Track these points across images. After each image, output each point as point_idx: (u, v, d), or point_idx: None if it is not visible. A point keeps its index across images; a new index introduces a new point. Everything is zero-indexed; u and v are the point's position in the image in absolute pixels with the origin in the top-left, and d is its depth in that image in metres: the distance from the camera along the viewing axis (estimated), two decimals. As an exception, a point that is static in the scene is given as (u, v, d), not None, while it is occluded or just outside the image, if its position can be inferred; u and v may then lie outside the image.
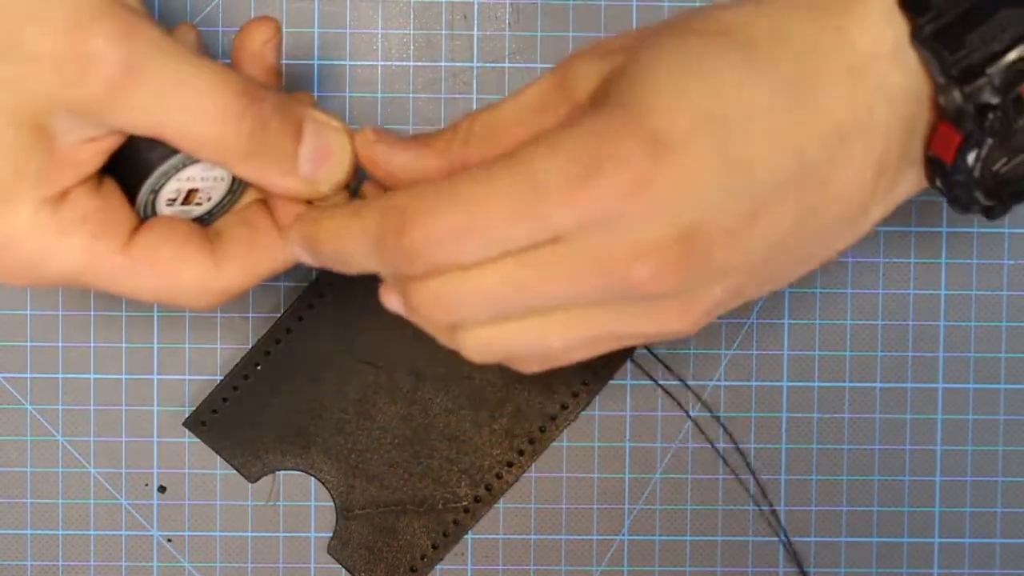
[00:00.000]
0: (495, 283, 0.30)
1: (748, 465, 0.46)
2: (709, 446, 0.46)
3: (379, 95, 0.46)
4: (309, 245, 0.33)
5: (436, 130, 0.34)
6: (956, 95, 0.31)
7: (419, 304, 0.32)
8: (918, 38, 0.31)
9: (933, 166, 0.32)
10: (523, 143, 0.30)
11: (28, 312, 0.46)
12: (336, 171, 0.34)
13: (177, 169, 0.34)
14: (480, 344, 0.33)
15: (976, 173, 0.31)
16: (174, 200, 0.35)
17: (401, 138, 0.34)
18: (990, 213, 0.33)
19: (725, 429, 0.46)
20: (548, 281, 0.30)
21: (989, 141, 0.31)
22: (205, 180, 0.35)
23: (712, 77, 0.30)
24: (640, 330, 0.32)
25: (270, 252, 0.35)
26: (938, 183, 0.33)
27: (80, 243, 0.33)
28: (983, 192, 0.32)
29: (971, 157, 0.31)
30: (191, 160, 0.34)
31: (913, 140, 0.32)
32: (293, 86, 0.45)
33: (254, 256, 0.35)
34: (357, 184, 0.36)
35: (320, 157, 0.34)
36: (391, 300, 0.33)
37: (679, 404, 0.46)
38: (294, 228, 0.34)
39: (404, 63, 0.46)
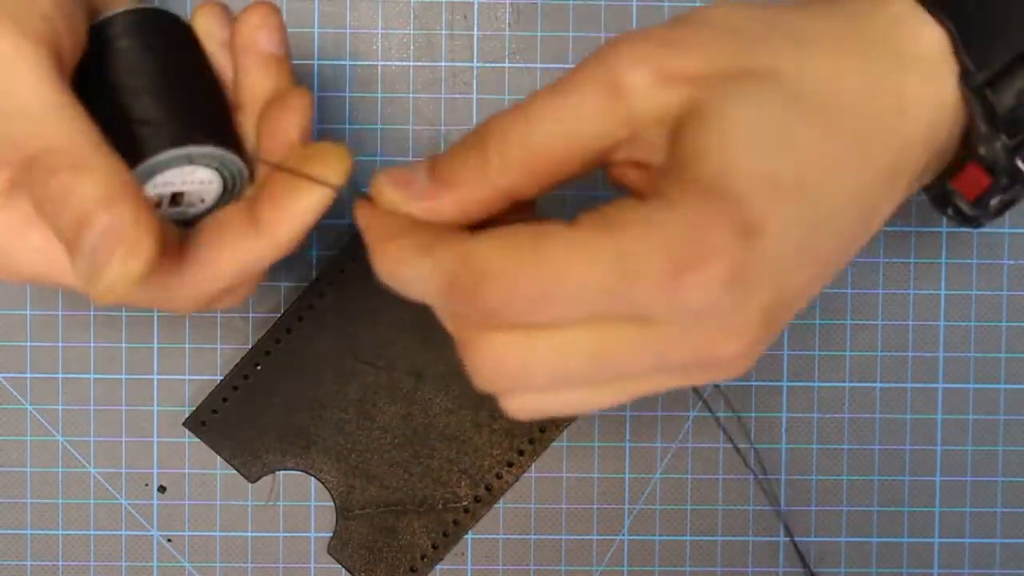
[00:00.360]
0: (568, 353, 0.29)
1: (748, 464, 0.46)
2: (709, 445, 0.46)
3: (379, 95, 0.46)
4: (371, 245, 0.32)
5: (453, 151, 0.32)
6: (998, 146, 0.31)
7: (477, 356, 0.30)
8: (969, 85, 0.31)
9: (946, 194, 0.32)
10: (618, 213, 0.29)
11: (28, 312, 0.46)
12: None
13: (147, 176, 0.33)
14: (529, 408, 0.32)
15: (992, 210, 0.32)
16: (159, 204, 0.35)
17: (417, 177, 0.32)
18: (975, 224, 0.33)
19: (724, 430, 0.46)
20: (628, 358, 0.29)
21: (1017, 187, 0.31)
22: (188, 184, 0.34)
23: (795, 150, 0.29)
24: (703, 383, 0.32)
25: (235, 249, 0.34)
26: (949, 211, 0.33)
27: (38, 242, 0.32)
28: (987, 217, 0.32)
29: (994, 201, 0.31)
30: (164, 166, 0.33)
31: (938, 162, 0.32)
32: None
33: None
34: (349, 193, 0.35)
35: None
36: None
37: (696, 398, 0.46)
38: (360, 220, 0.33)
39: (404, 63, 0.46)
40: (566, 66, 0.46)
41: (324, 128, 0.46)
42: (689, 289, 0.28)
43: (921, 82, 0.31)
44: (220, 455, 0.46)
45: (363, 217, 0.32)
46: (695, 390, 0.46)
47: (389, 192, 0.32)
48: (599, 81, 0.30)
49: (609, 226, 0.29)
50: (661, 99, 0.30)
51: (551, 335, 0.29)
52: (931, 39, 0.31)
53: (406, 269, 0.31)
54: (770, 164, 0.29)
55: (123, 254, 0.29)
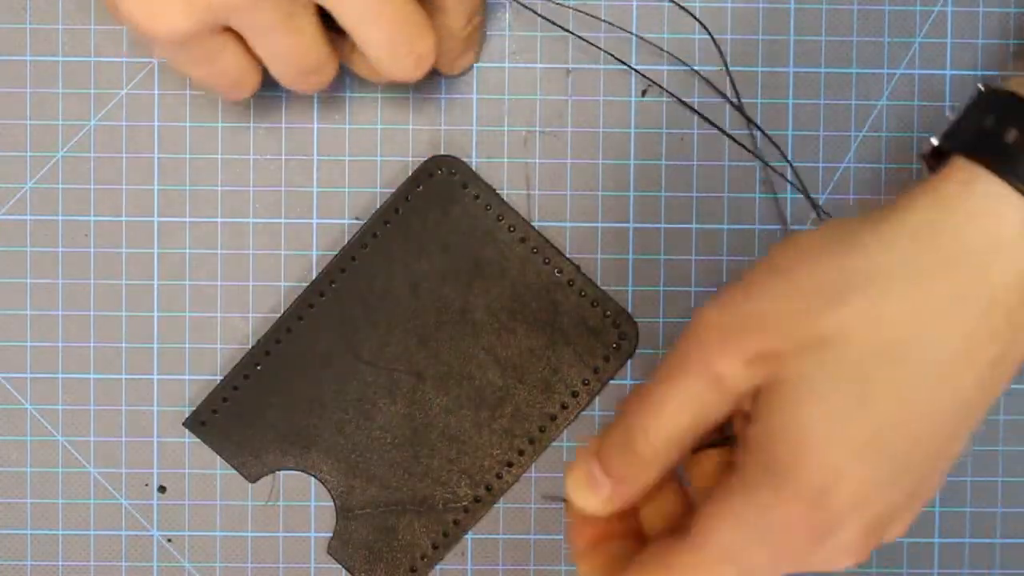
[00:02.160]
0: None
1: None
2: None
3: (379, 95, 0.46)
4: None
5: (611, 454, 0.35)
6: None
7: None
8: None
9: None
10: (713, 520, 0.33)
11: (28, 312, 0.46)
12: None
13: None
14: None
15: None
16: None
17: (599, 481, 0.36)
18: None
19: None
20: None
21: None
22: None
23: (867, 408, 0.31)
24: None
25: None
26: None
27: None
28: None
29: None
30: None
31: None
32: (293, 86, 0.46)
33: None
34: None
35: None
36: None
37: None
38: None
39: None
40: (565, 66, 0.46)
41: (324, 128, 0.46)
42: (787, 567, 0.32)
43: (1006, 266, 0.31)
44: (220, 455, 0.46)
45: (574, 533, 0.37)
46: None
47: (585, 502, 0.36)
48: (699, 374, 0.33)
49: (747, 492, 0.32)
50: (751, 374, 0.33)
51: None
52: (1012, 216, 0.31)
53: None
54: (833, 433, 0.31)
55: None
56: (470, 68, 0.45)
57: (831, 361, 0.31)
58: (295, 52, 0.38)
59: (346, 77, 0.46)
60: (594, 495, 0.35)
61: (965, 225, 0.31)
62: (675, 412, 0.34)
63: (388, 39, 0.38)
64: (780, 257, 0.33)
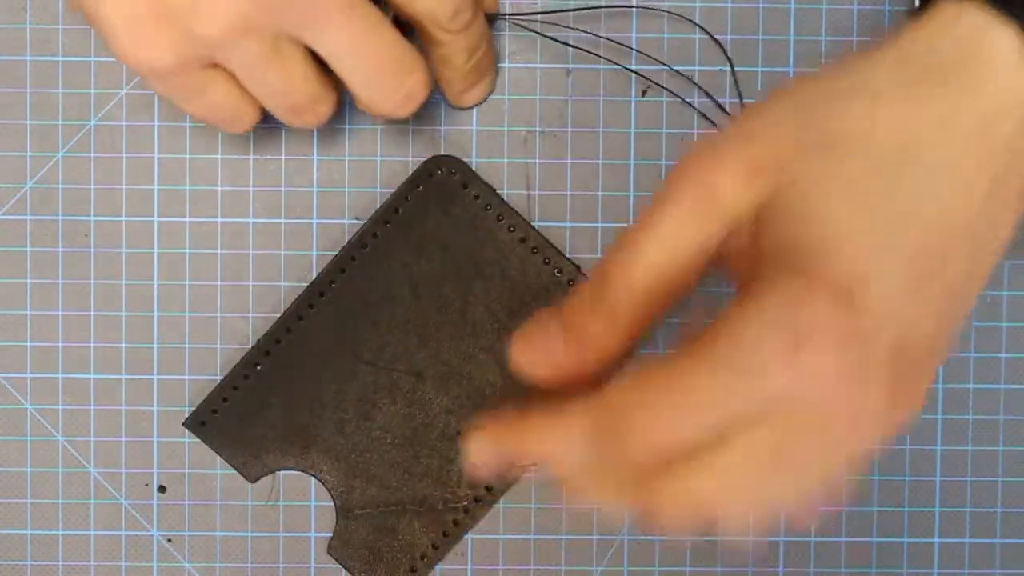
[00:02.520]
0: (734, 468, 0.30)
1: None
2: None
3: (379, 95, 0.46)
4: (504, 451, 0.33)
5: (577, 307, 0.32)
6: None
7: (667, 508, 0.30)
8: None
9: None
10: (723, 324, 0.30)
11: (28, 312, 0.46)
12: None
13: None
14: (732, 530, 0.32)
15: None
16: None
17: (555, 344, 0.33)
18: None
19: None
20: (793, 454, 0.30)
21: None
22: None
23: (877, 205, 0.30)
24: (875, 445, 0.31)
25: None
26: None
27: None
28: None
29: None
30: None
31: None
32: (293, 86, 0.46)
33: None
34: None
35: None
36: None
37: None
38: (485, 436, 0.33)
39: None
40: (565, 66, 0.46)
41: (324, 128, 0.46)
42: (807, 369, 0.28)
43: (1000, 90, 0.31)
44: (220, 455, 0.46)
45: (499, 436, 0.33)
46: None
47: (523, 357, 0.33)
48: (692, 189, 0.31)
49: (718, 337, 0.29)
50: (752, 191, 0.31)
51: (713, 458, 0.30)
52: (1004, 43, 0.32)
53: (550, 442, 0.32)
54: (854, 226, 0.30)
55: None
56: (484, 100, 0.45)
57: (847, 159, 0.30)
58: (284, 88, 0.38)
59: (346, 77, 0.46)
60: (545, 356, 0.33)
61: (955, 49, 0.32)
62: (664, 238, 0.31)
63: (374, 77, 0.38)
64: (779, 88, 0.33)
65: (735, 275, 0.32)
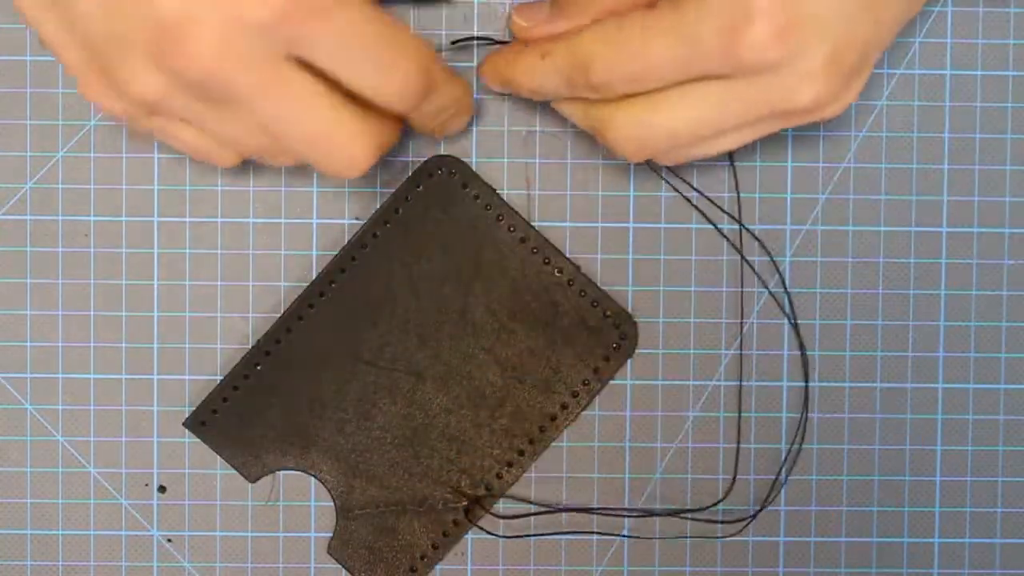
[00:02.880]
0: (677, 112, 0.37)
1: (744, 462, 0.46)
2: (709, 445, 0.46)
3: (379, 95, 0.46)
4: (502, 81, 0.41)
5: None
6: None
7: (613, 130, 0.39)
8: None
9: None
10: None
11: (28, 312, 0.46)
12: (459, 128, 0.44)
13: None
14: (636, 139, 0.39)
15: None
16: None
17: (542, 10, 0.40)
18: None
19: (725, 428, 0.46)
20: (722, 113, 0.37)
21: None
22: None
23: None
24: (797, 124, 0.39)
25: None
26: None
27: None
28: None
29: None
30: None
31: None
32: (293, 86, 0.45)
33: None
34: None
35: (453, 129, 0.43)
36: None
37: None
38: (486, 67, 0.42)
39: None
40: (566, 66, 0.46)
41: (324, 128, 0.46)
42: (744, 46, 0.35)
43: None
44: (220, 455, 0.46)
45: (497, 68, 0.41)
46: (713, 358, 0.46)
47: (520, 21, 0.41)
48: None
49: (674, 4, 0.35)
50: None
51: (658, 106, 0.37)
52: None
53: (536, 77, 0.40)
54: None
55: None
56: (465, 131, 0.45)
57: None
58: (295, 121, 0.36)
59: (346, 77, 0.46)
60: (531, 20, 0.40)
61: None
62: None
63: (376, 63, 0.36)
64: None
65: None
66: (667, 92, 0.37)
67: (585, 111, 0.40)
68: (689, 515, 0.46)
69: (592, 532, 0.46)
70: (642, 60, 0.36)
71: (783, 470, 0.46)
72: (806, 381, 0.46)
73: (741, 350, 0.46)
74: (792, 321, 0.46)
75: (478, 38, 0.43)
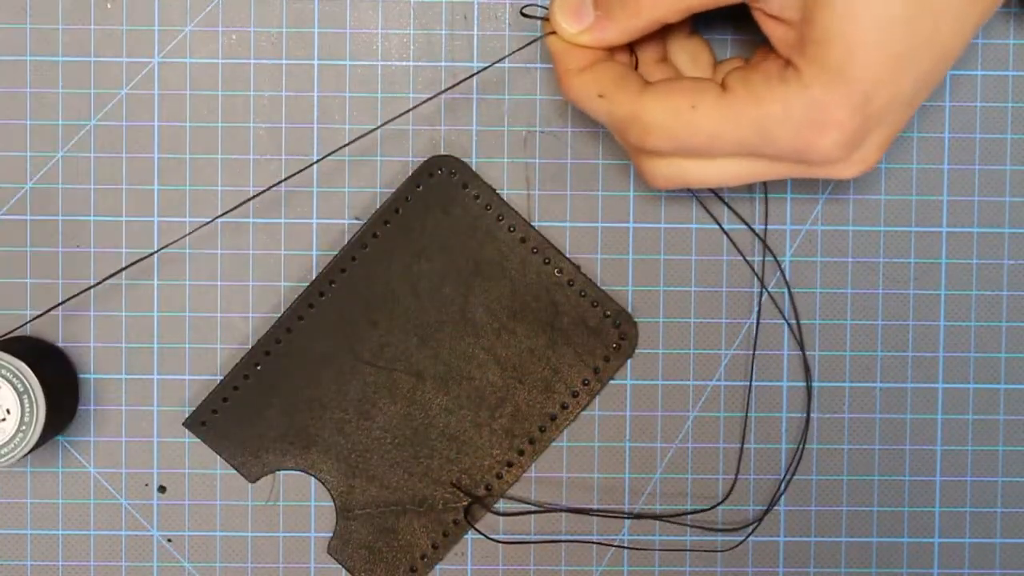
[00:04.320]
0: (714, 174, 0.40)
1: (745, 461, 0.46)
2: (709, 445, 0.46)
3: (379, 95, 0.46)
4: (560, 74, 0.41)
5: None
6: None
7: (646, 172, 0.40)
8: None
9: None
10: (763, 88, 0.38)
11: (28, 312, 0.46)
12: None
13: None
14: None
15: None
16: None
17: (585, 11, 0.40)
18: None
19: (725, 428, 0.46)
20: (762, 176, 0.40)
21: None
22: None
23: (907, 25, 0.36)
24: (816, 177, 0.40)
25: None
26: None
27: None
28: None
29: None
30: None
31: None
32: (293, 86, 0.46)
33: None
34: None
35: None
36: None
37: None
38: (552, 47, 0.41)
39: (404, 63, 0.46)
40: (566, 66, 0.46)
41: (323, 128, 0.46)
42: (813, 149, 0.38)
43: None
44: (220, 455, 0.46)
45: (555, 45, 0.40)
46: (718, 356, 0.46)
47: (565, 24, 0.40)
48: None
49: (755, 98, 0.37)
50: None
51: (702, 163, 0.39)
52: None
53: (587, 104, 0.40)
54: (887, 45, 0.36)
55: None
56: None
57: None
58: None
59: (346, 77, 0.46)
60: (576, 22, 0.39)
61: None
62: None
63: None
64: None
65: (763, 29, 0.39)
66: (717, 158, 0.39)
67: (623, 144, 0.41)
68: (689, 519, 0.46)
69: (591, 541, 0.46)
70: (708, 141, 0.38)
71: (787, 471, 0.46)
72: (808, 381, 0.46)
73: (754, 350, 0.46)
74: (789, 321, 0.46)
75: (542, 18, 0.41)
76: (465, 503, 0.46)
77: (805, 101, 0.37)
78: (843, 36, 0.36)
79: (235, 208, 0.45)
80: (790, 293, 0.46)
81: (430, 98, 0.45)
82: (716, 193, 0.46)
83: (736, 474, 0.46)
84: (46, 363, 0.43)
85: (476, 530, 0.46)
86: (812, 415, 0.46)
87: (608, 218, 0.46)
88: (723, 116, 0.38)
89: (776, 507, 0.46)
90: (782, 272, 0.46)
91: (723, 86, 0.38)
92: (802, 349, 0.46)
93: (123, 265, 0.46)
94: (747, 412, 0.46)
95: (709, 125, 0.38)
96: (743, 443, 0.46)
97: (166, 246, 0.45)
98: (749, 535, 0.46)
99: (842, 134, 0.37)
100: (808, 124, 0.37)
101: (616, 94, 0.39)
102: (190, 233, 0.45)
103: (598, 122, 0.41)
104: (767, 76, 0.38)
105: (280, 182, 0.45)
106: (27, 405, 0.42)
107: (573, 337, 0.45)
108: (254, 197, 0.45)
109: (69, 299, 0.44)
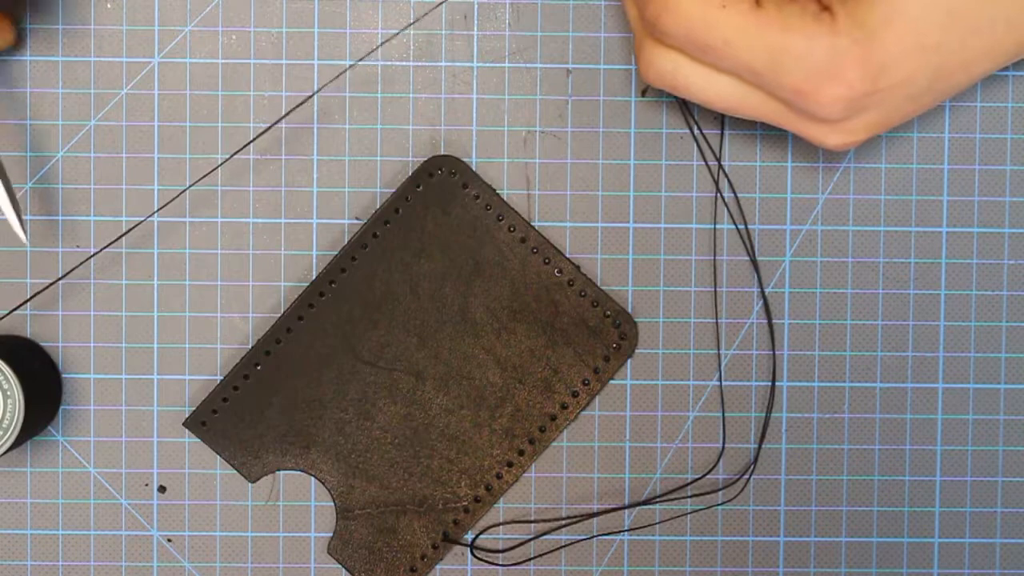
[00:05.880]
0: (707, 86, 0.39)
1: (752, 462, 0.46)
2: (709, 445, 0.46)
3: (379, 95, 0.46)
4: None
5: None
6: None
7: (642, 57, 0.40)
8: None
9: None
10: (795, 17, 0.37)
11: (28, 312, 0.46)
12: None
13: None
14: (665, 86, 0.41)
15: None
16: None
17: None
18: None
19: (725, 428, 0.46)
20: (753, 109, 0.40)
21: None
22: None
23: (947, 19, 0.37)
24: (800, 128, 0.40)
25: None
26: None
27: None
28: None
29: None
30: None
31: None
32: (293, 86, 0.46)
33: None
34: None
35: None
36: None
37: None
38: None
39: (404, 63, 0.46)
40: (565, 66, 0.46)
41: (324, 128, 0.46)
42: (814, 97, 0.38)
43: None
44: (220, 455, 0.46)
45: None
46: (719, 357, 0.46)
47: None
48: None
49: (783, 24, 0.37)
50: None
51: (700, 69, 0.39)
52: None
53: None
54: (923, 31, 0.37)
55: None
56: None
57: None
58: None
59: (346, 77, 0.46)
60: None
61: None
62: None
63: None
64: None
65: None
66: (716, 70, 0.39)
67: (636, 17, 0.41)
68: (689, 489, 0.46)
69: (592, 532, 0.46)
70: (719, 46, 0.38)
71: (787, 471, 0.46)
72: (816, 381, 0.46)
73: (773, 350, 0.46)
74: (789, 321, 0.46)
75: None
76: (465, 503, 0.46)
77: (828, 47, 0.37)
78: (890, 3, 0.36)
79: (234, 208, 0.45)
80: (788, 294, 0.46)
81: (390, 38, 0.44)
82: (717, 194, 0.46)
83: (751, 464, 0.46)
84: (25, 360, 0.43)
85: (480, 559, 0.46)
86: (812, 415, 0.46)
87: (608, 218, 0.46)
88: (746, 27, 0.38)
89: (776, 506, 0.46)
90: (751, 253, 0.46)
91: (756, 1, 0.38)
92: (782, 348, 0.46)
93: (123, 265, 0.46)
94: (769, 413, 0.46)
95: (729, 30, 0.38)
96: (761, 444, 0.46)
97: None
98: (748, 535, 0.46)
99: (848, 92, 0.37)
100: (821, 70, 0.37)
101: None
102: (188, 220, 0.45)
103: None
104: (803, 9, 0.38)
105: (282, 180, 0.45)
106: (9, 407, 0.42)
107: (573, 337, 0.45)
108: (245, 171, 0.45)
109: (38, 293, 0.44)
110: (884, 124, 0.39)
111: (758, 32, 0.37)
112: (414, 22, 0.45)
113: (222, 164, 0.45)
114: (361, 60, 0.45)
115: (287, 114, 0.45)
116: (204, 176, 0.45)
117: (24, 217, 0.44)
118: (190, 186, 0.45)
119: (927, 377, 0.46)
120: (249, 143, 0.45)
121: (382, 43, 0.45)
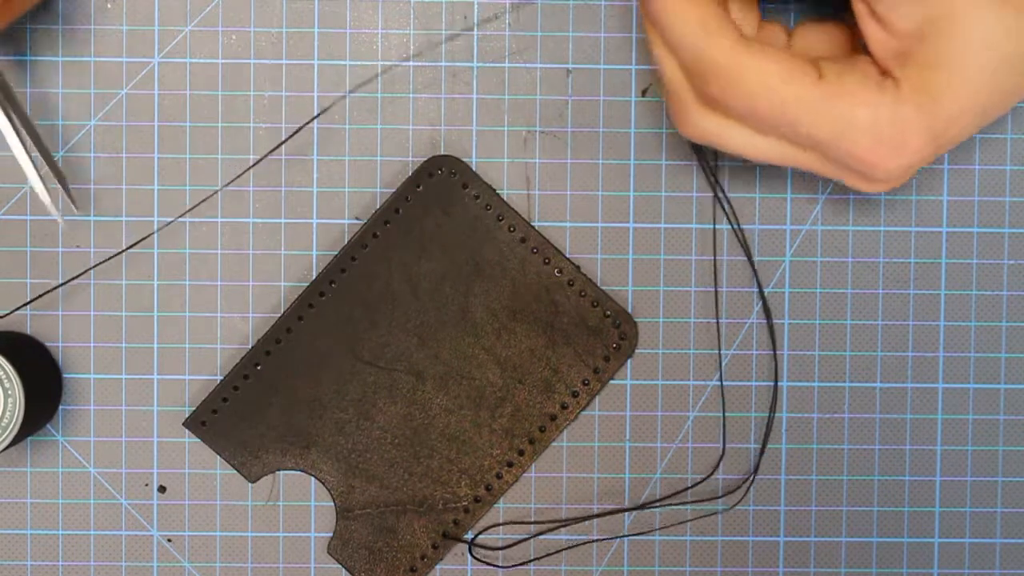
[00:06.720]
0: (753, 148, 0.39)
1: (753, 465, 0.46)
2: (709, 445, 0.46)
3: (379, 95, 0.46)
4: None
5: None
6: None
7: (687, 120, 0.39)
8: None
9: None
10: (858, 86, 0.37)
11: (28, 312, 0.46)
12: None
13: None
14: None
15: None
16: None
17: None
18: None
19: (725, 428, 0.46)
20: (797, 166, 0.39)
21: None
22: None
23: (1000, 73, 0.36)
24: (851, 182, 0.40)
25: None
26: None
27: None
28: None
29: None
30: None
31: None
32: (293, 86, 0.46)
33: None
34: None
35: None
36: None
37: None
38: None
39: (404, 63, 0.46)
40: (565, 66, 0.46)
41: (324, 128, 0.46)
42: (881, 167, 0.37)
43: None
44: (220, 455, 0.46)
45: None
46: (720, 359, 0.46)
47: None
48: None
49: (848, 97, 0.37)
50: (915, 8, 0.36)
51: (746, 131, 0.39)
52: None
53: (680, 31, 0.38)
54: (980, 92, 0.36)
55: None
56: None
57: (990, 18, 0.35)
58: None
59: (346, 77, 0.46)
60: None
61: None
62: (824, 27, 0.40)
63: None
64: None
65: (859, 21, 0.38)
66: (762, 133, 0.38)
67: (681, 80, 0.39)
68: (690, 493, 0.46)
69: (592, 532, 0.46)
70: (786, 121, 0.37)
71: (783, 470, 0.46)
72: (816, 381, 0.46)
73: (774, 350, 0.46)
74: (789, 321, 0.46)
75: None
76: (465, 503, 0.46)
77: (894, 117, 0.36)
78: (951, 66, 0.36)
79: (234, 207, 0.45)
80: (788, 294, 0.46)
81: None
82: (717, 193, 0.46)
83: (751, 474, 0.46)
84: (25, 357, 0.43)
85: (479, 559, 0.46)
86: (812, 415, 0.46)
87: (608, 218, 0.46)
88: (811, 101, 0.37)
89: (775, 506, 0.46)
90: (748, 251, 0.46)
91: (818, 72, 0.38)
92: (781, 348, 0.46)
93: (123, 265, 0.46)
94: (772, 413, 0.46)
95: (794, 105, 0.37)
96: (765, 443, 0.46)
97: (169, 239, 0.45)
98: (748, 535, 0.46)
99: (914, 159, 0.37)
100: (887, 140, 0.37)
101: (716, 37, 0.37)
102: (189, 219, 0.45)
103: (666, 52, 0.39)
104: (864, 78, 0.37)
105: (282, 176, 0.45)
106: (10, 404, 0.42)
107: (573, 337, 0.45)
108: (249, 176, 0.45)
109: (40, 296, 0.44)
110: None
111: (823, 105, 0.37)
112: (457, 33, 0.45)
113: (255, 165, 0.45)
114: (393, 62, 0.45)
115: (319, 114, 0.46)
116: (239, 176, 0.45)
117: (67, 187, 0.44)
118: (224, 186, 0.45)
119: (927, 377, 0.46)
120: (281, 144, 0.45)
121: (415, 52, 0.45)
